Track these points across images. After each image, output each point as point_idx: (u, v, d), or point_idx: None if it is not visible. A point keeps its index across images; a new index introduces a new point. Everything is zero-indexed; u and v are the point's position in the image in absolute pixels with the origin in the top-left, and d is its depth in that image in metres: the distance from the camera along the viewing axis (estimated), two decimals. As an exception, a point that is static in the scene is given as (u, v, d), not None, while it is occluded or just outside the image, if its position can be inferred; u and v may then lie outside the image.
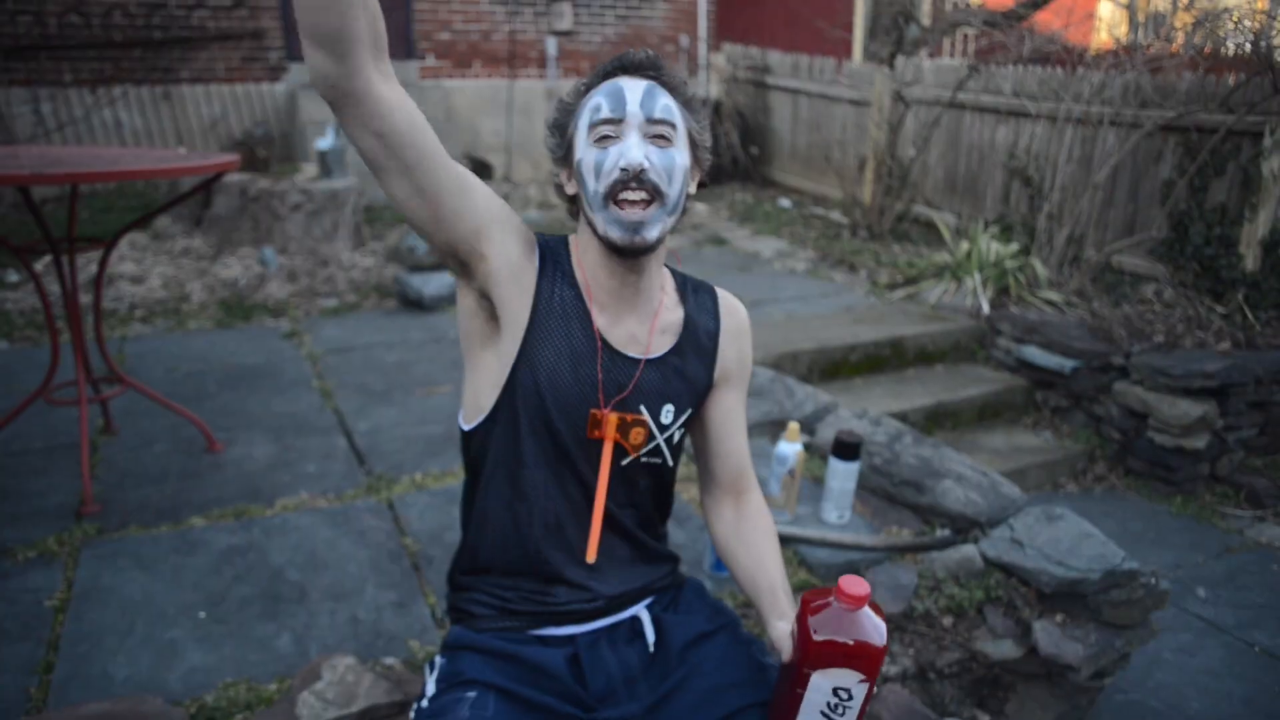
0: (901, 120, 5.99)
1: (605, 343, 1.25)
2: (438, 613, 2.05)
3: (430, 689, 1.26)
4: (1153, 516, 3.60)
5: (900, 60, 6.20)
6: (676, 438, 1.33)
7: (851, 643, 1.05)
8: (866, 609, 1.07)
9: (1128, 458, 3.90)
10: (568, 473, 1.27)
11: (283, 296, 4.53)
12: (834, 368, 4.04)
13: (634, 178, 1.14)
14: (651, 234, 1.17)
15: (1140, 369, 3.81)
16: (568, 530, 1.29)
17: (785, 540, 2.29)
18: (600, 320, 1.25)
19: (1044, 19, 6.36)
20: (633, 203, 1.15)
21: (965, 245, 4.94)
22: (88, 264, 4.53)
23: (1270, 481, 3.73)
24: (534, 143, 7.80)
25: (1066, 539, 2.25)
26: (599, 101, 1.18)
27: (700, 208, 6.78)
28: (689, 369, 1.32)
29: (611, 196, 1.15)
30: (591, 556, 1.27)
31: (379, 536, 2.35)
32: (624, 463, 1.29)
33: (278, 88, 6.92)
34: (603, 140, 1.17)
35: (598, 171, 1.16)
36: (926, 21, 6.96)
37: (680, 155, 1.19)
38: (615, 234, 1.16)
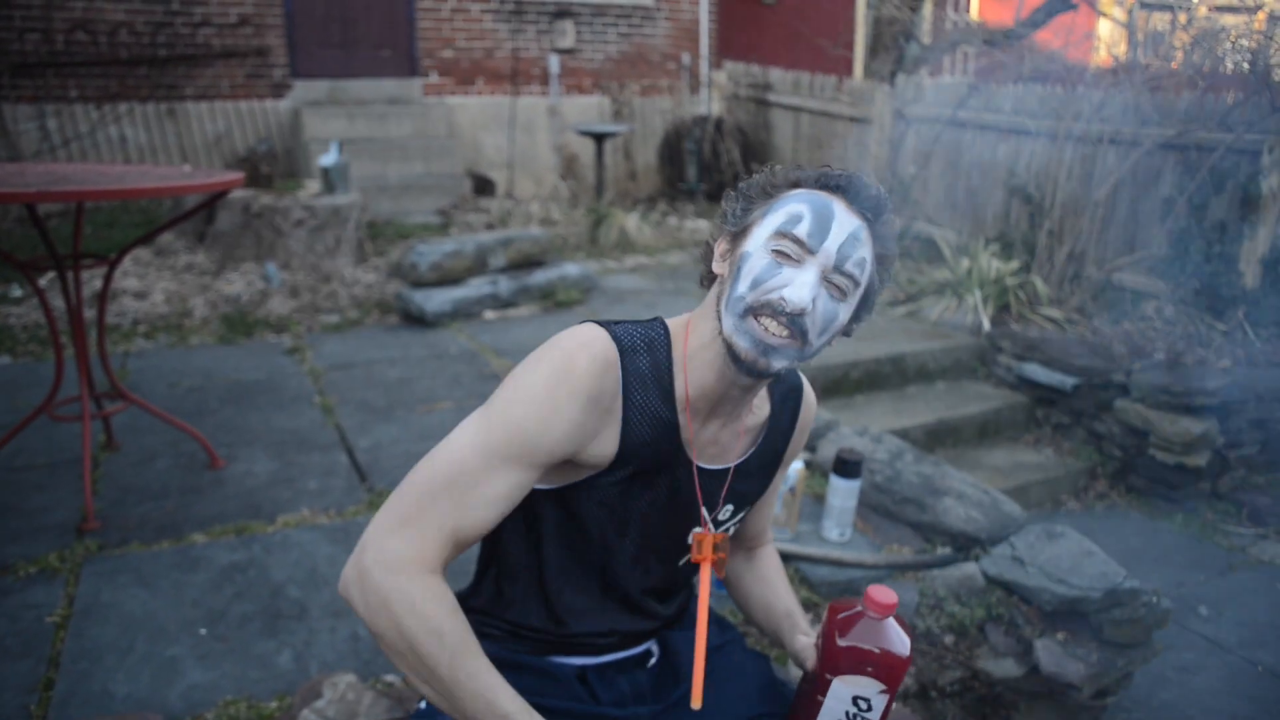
0: (902, 137, 6.01)
1: (697, 465, 1.16)
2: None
3: None
4: (1154, 534, 3.59)
5: (901, 78, 6.24)
6: (731, 531, 1.28)
7: (876, 650, 1.06)
8: (892, 620, 1.08)
9: (1129, 475, 3.89)
10: (615, 576, 1.21)
11: (285, 312, 4.54)
12: (835, 385, 4.05)
13: (786, 314, 1.03)
14: (777, 364, 1.06)
15: (1141, 386, 3.81)
16: (600, 616, 1.24)
17: (787, 558, 2.29)
18: (690, 429, 1.14)
19: (1044, 38, 6.40)
20: (773, 330, 1.04)
21: (966, 262, 4.95)
22: (92, 279, 4.55)
23: (1272, 499, 3.72)
24: (536, 159, 7.84)
25: (1068, 557, 2.25)
26: (802, 210, 1.04)
27: (703, 224, 6.81)
28: (759, 473, 1.26)
29: (754, 313, 1.04)
30: (697, 703, 1.14)
31: (380, 553, 2.34)
32: (680, 563, 1.25)
33: (281, 105, 6.96)
34: (781, 255, 1.04)
35: (757, 283, 1.04)
36: (927, 40, 7.01)
37: (845, 311, 1.09)
38: (742, 345, 1.04)
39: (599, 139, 6.91)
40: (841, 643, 1.07)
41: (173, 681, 1.83)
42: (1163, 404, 3.73)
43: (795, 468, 2.29)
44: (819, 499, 2.58)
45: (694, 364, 1.11)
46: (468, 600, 1.32)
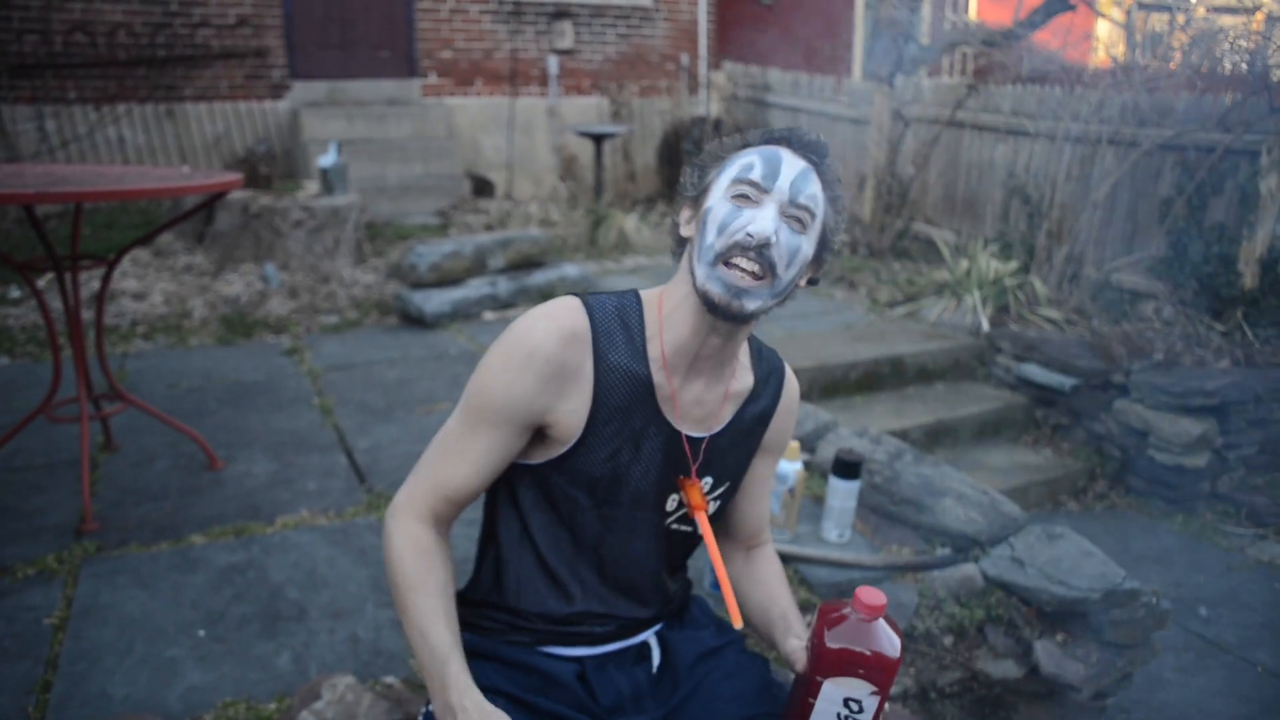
0: (901, 138, 6.02)
1: (673, 425, 1.22)
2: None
3: None
4: (1153, 535, 3.59)
5: (899, 79, 6.24)
6: (713, 509, 1.30)
7: (866, 652, 1.06)
8: (882, 621, 1.07)
9: (1128, 476, 3.89)
10: (611, 543, 1.25)
11: (284, 313, 4.54)
12: (834, 386, 4.05)
13: (755, 248, 1.10)
14: (751, 305, 1.12)
15: (1140, 387, 3.81)
16: (598, 589, 1.27)
17: (786, 559, 2.29)
18: (671, 385, 1.20)
19: (1042, 38, 6.40)
20: (743, 270, 1.11)
21: (965, 263, 4.95)
22: (90, 280, 4.54)
23: (1271, 499, 3.72)
24: (535, 160, 7.83)
25: (1067, 558, 2.25)
26: (753, 160, 1.14)
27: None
28: (740, 445, 1.30)
29: (725, 257, 1.11)
30: (737, 621, 1.21)
31: (379, 554, 2.34)
32: (668, 522, 1.28)
33: (280, 105, 6.96)
34: (741, 199, 1.12)
35: (723, 228, 1.11)
36: (925, 40, 7.01)
37: (808, 245, 1.15)
38: (715, 290, 1.11)
39: (598, 140, 6.91)
40: (831, 645, 1.06)
41: (171, 683, 1.83)
42: (1162, 404, 3.73)
43: (794, 469, 2.29)
44: (818, 500, 2.58)
45: (670, 323, 1.19)
46: (467, 594, 1.34)
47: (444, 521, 1.20)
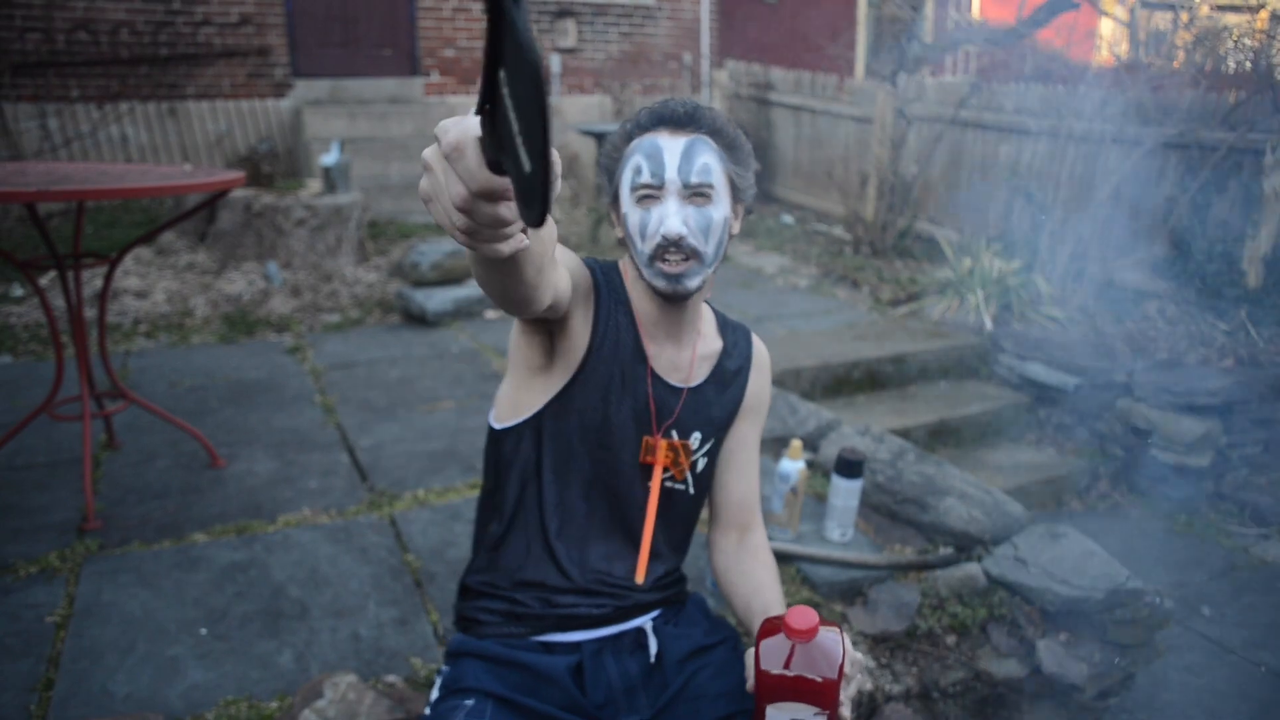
0: (904, 137, 6.00)
1: (654, 373, 1.31)
2: (440, 630, 2.04)
3: (434, 695, 1.28)
4: (1156, 534, 3.58)
5: (902, 77, 6.23)
6: (700, 465, 1.37)
7: (798, 676, 1.03)
8: (820, 638, 1.04)
9: (1131, 475, 3.88)
10: (604, 490, 1.31)
11: (286, 311, 4.54)
12: (837, 384, 4.04)
13: (674, 243, 1.20)
14: (692, 284, 1.24)
15: (1143, 386, 3.80)
16: (594, 545, 1.32)
17: (788, 558, 2.28)
18: (648, 347, 1.31)
19: (1045, 37, 6.39)
20: (673, 260, 1.22)
21: (967, 262, 4.95)
22: (92, 279, 4.54)
23: (1275, 499, 3.71)
24: (537, 159, 7.82)
25: (1070, 557, 2.24)
26: (639, 163, 1.21)
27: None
28: (720, 399, 1.37)
29: (654, 257, 1.22)
30: (640, 577, 1.31)
31: (381, 553, 2.34)
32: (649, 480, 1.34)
33: (283, 104, 6.96)
34: (645, 200, 1.22)
35: (642, 233, 1.22)
36: (928, 39, 7.00)
37: (718, 210, 1.23)
38: (660, 284, 1.24)
39: (600, 138, 6.90)
40: (767, 670, 1.04)
41: (173, 681, 1.83)
42: (1165, 403, 3.72)
43: (797, 467, 2.29)
44: (820, 499, 2.58)
45: (635, 292, 1.32)
46: (465, 579, 1.36)
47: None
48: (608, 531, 1.33)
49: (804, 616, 1.03)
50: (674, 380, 1.33)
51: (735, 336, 1.43)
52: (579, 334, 1.26)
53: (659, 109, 1.23)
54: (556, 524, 1.30)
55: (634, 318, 1.31)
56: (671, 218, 1.19)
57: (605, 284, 1.30)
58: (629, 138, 1.25)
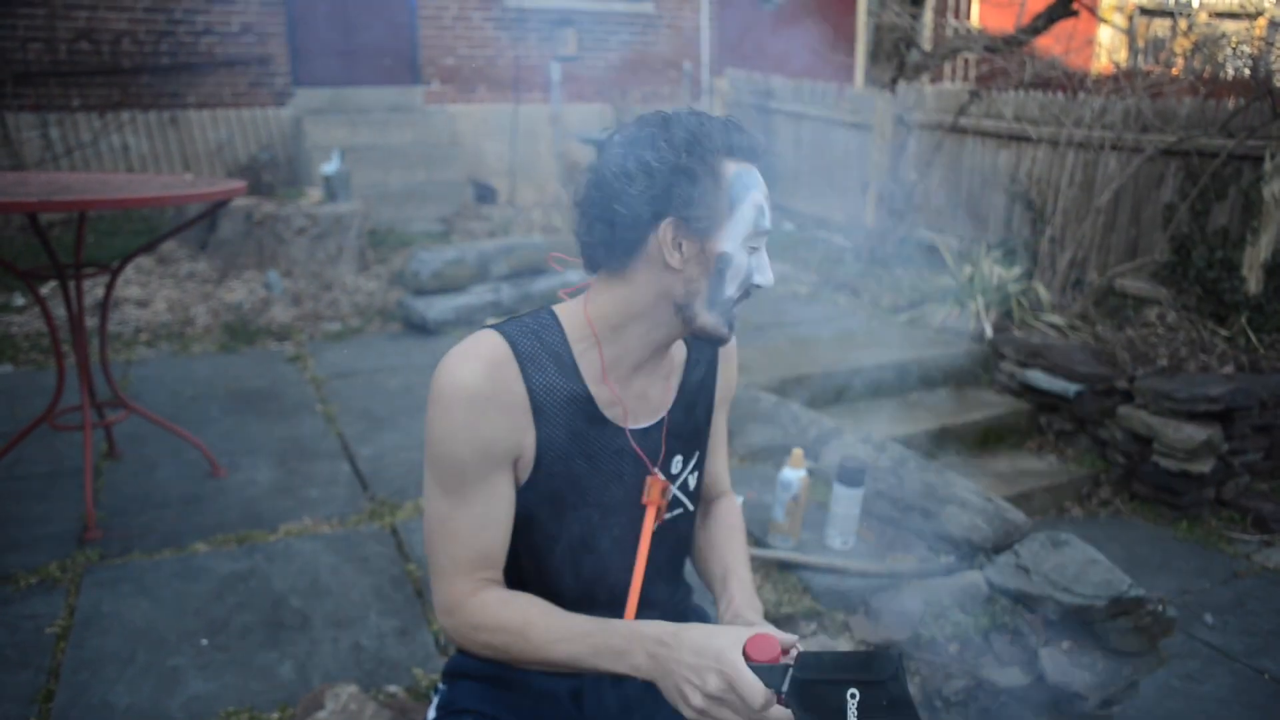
0: (903, 144, 6.01)
1: (622, 428, 1.20)
2: (441, 640, 2.03)
3: (430, 715, 1.27)
4: (1158, 542, 3.58)
5: (902, 85, 6.24)
6: (692, 483, 1.30)
7: None
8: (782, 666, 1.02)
9: (1133, 482, 3.88)
10: (603, 537, 1.23)
11: (287, 320, 4.54)
12: (838, 392, 4.04)
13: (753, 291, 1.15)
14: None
15: (1144, 393, 3.80)
16: (595, 586, 1.25)
17: (789, 566, 2.28)
18: (614, 391, 1.18)
19: (1044, 44, 6.41)
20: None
21: (968, 269, 4.95)
22: (93, 288, 4.55)
23: (1276, 505, 3.71)
24: (538, 167, 7.84)
25: (1072, 565, 2.24)
26: (760, 202, 1.11)
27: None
28: (695, 411, 1.29)
29: (738, 303, 1.15)
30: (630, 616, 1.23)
31: (382, 563, 2.34)
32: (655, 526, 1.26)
33: (283, 112, 6.97)
34: (755, 251, 1.12)
35: (745, 279, 1.12)
36: (928, 47, 7.02)
37: None
38: (725, 330, 1.15)
39: (601, 147, 6.91)
40: None
41: (174, 692, 1.82)
42: (1166, 410, 3.72)
43: (798, 475, 2.29)
44: (822, 507, 2.57)
45: (615, 337, 1.15)
46: None
47: (497, 583, 1.16)
48: (598, 597, 1.26)
49: (764, 647, 1.01)
50: (650, 420, 1.22)
51: (699, 341, 1.30)
52: (527, 450, 1.14)
53: (748, 141, 1.11)
54: (555, 570, 1.23)
55: (580, 371, 1.15)
56: (769, 269, 1.13)
57: (529, 357, 1.12)
58: (724, 152, 1.09)
